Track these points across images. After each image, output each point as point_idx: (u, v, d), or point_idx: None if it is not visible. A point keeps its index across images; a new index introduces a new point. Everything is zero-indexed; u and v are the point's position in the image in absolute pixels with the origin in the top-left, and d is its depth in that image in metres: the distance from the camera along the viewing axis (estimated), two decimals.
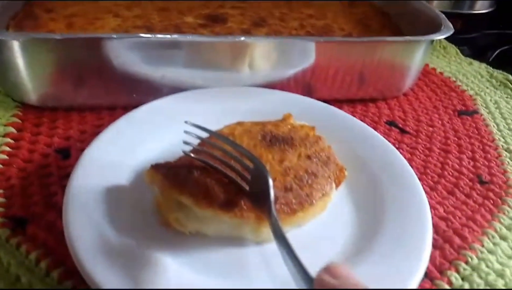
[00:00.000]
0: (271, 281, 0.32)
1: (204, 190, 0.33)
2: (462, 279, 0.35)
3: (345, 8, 0.67)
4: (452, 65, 0.70)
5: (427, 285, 0.34)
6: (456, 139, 0.53)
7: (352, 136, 0.46)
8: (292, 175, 0.36)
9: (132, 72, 0.48)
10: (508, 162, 0.49)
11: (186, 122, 0.37)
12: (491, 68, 0.69)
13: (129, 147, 0.41)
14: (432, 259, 0.35)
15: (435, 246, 0.37)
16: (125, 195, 0.37)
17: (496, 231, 0.40)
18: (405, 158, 0.43)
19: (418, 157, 0.49)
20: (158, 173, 0.35)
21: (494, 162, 0.49)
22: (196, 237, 0.34)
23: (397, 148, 0.44)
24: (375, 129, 0.48)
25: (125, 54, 0.47)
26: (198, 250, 0.34)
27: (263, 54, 0.50)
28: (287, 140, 0.39)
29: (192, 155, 0.36)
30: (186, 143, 0.37)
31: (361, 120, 0.49)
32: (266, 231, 0.32)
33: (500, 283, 0.35)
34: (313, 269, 0.25)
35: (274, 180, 0.34)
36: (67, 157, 0.44)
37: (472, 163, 0.49)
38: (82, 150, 0.40)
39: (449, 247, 0.38)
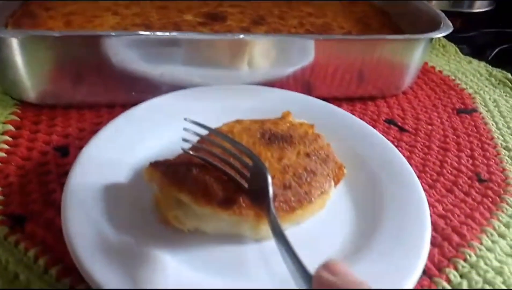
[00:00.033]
0: (270, 278, 0.32)
1: (203, 187, 0.33)
2: (461, 276, 0.35)
3: (345, 7, 0.67)
4: (451, 64, 0.70)
5: (426, 283, 0.34)
6: (455, 137, 0.53)
7: (351, 134, 0.46)
8: (291, 173, 0.36)
9: (131, 70, 0.48)
10: (506, 160, 0.49)
11: (185, 119, 0.37)
12: (490, 66, 0.69)
13: (128, 145, 0.41)
14: (430, 257, 0.35)
15: (433, 243, 0.37)
16: (124, 192, 0.37)
17: (494, 229, 0.40)
18: (404, 156, 0.43)
19: (417, 155, 0.49)
20: (157, 170, 0.35)
21: (493, 161, 0.49)
22: (195, 235, 0.34)
23: (396, 146, 0.44)
24: (374, 127, 0.48)
25: (124, 51, 0.47)
26: (197, 247, 0.34)
27: (262, 52, 0.50)
28: (286, 138, 0.39)
29: (191, 152, 0.36)
30: (185, 140, 0.37)
31: (360, 118, 0.49)
32: (265, 228, 0.32)
33: (498, 281, 0.35)
34: (312, 267, 0.25)
35: (273, 178, 0.34)
36: (65, 155, 0.44)
37: (471, 161, 0.49)
38: (80, 147, 0.40)
39: (448, 245, 0.38)
